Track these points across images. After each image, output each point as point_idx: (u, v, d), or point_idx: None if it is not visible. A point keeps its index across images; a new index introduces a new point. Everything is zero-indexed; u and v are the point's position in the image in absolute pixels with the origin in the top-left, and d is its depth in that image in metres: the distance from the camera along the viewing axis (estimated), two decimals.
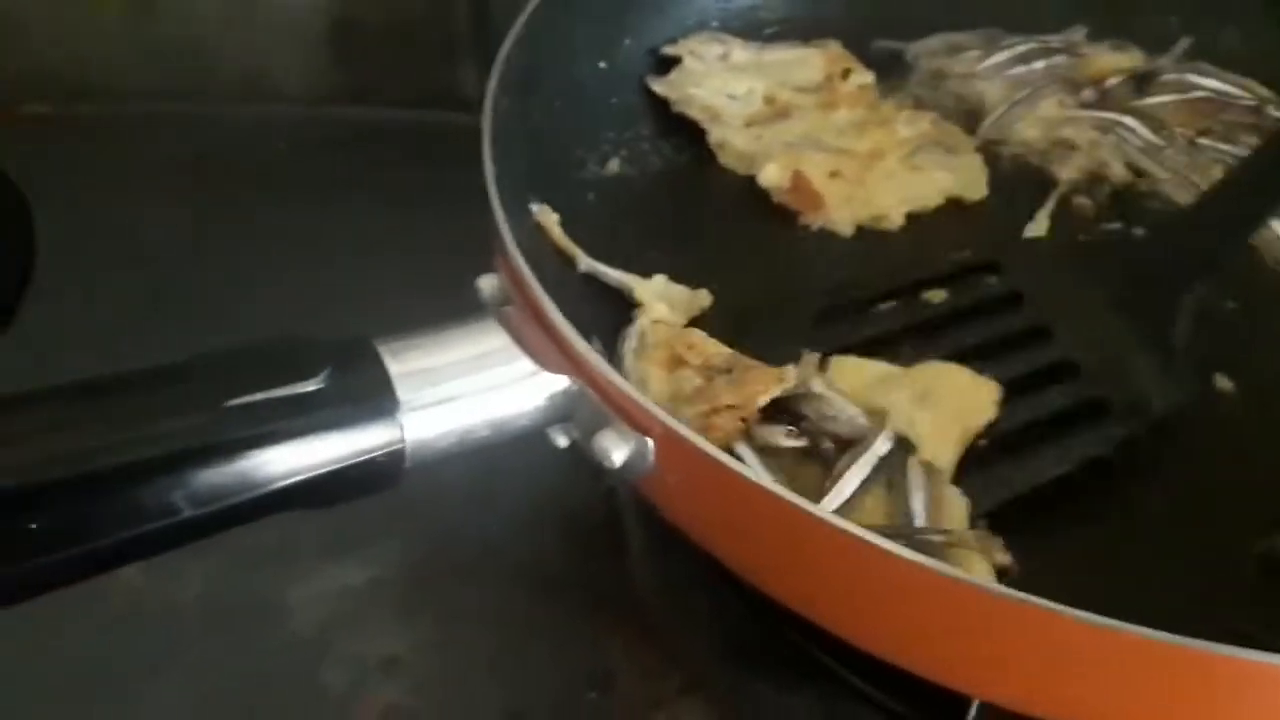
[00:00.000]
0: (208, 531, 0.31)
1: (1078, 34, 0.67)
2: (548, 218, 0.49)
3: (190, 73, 0.82)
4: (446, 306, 0.38)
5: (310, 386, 0.32)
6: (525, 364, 0.36)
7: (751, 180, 0.57)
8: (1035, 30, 0.67)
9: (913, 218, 0.56)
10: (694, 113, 0.60)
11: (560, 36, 0.55)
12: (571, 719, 0.42)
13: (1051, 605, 0.30)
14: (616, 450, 0.35)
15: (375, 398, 0.33)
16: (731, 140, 0.59)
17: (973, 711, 0.41)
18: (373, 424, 0.33)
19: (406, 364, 0.34)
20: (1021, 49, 0.65)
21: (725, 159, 0.58)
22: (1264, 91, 0.63)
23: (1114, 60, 0.65)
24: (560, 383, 0.36)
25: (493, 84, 0.48)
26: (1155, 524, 0.43)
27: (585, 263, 0.50)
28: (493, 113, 0.46)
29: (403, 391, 0.33)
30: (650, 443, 0.35)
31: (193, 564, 0.45)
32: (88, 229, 0.66)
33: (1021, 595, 0.31)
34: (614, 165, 0.58)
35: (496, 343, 0.36)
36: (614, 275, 0.50)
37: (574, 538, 0.48)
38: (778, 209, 0.56)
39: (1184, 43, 0.66)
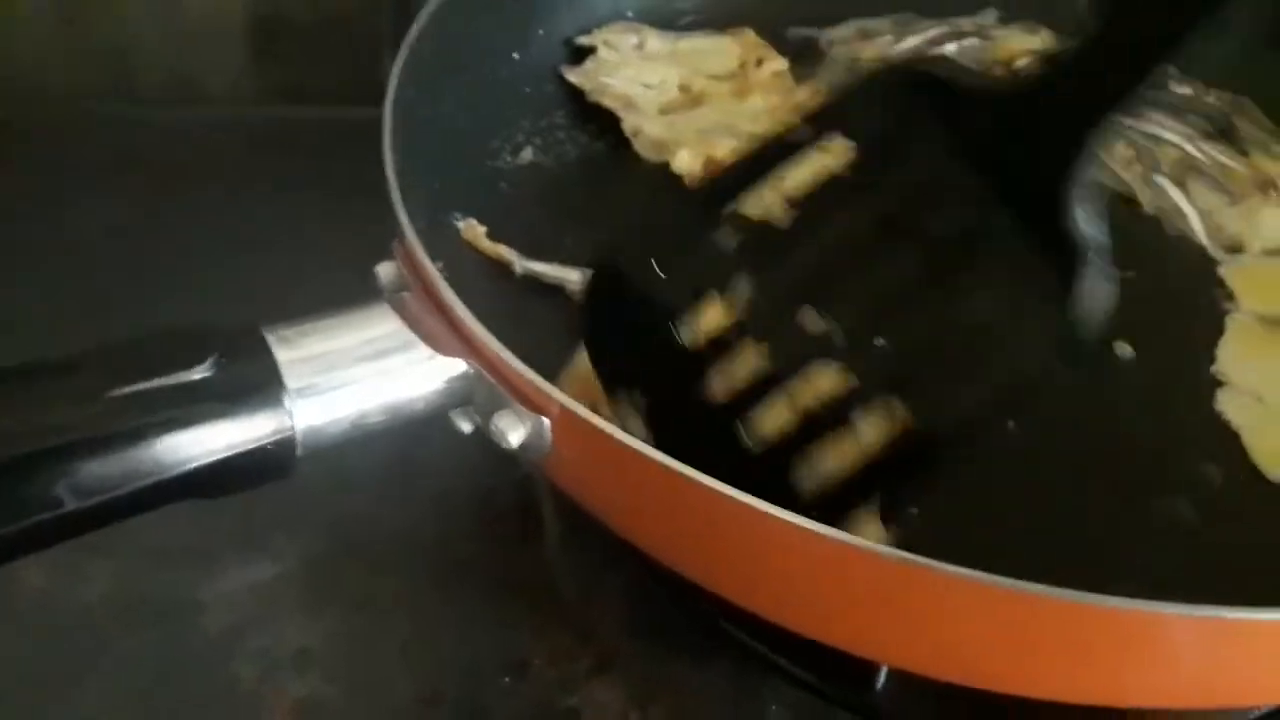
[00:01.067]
0: (96, 524, 0.31)
1: (989, 17, 0.68)
2: (474, 231, 0.50)
3: (117, 74, 0.81)
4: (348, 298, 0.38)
5: (196, 375, 0.32)
6: (420, 349, 0.36)
7: (665, 167, 0.58)
8: (948, 14, 0.68)
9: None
10: (609, 102, 0.60)
11: (470, 26, 0.55)
12: (486, 704, 0.42)
13: (946, 567, 0.31)
14: (513, 431, 0.35)
15: (262, 384, 0.33)
16: (646, 128, 0.59)
17: (881, 678, 0.41)
18: (260, 411, 0.32)
19: (296, 350, 0.34)
20: (933, 33, 0.66)
21: (640, 147, 0.59)
22: (1170, 69, 0.64)
23: (1024, 42, 0.67)
24: (457, 366, 0.36)
25: (396, 70, 0.48)
26: (1055, 487, 0.44)
27: (520, 266, 0.50)
28: (395, 102, 0.46)
29: (291, 378, 0.33)
30: (546, 422, 0.35)
31: (97, 563, 0.44)
32: (8, 226, 0.65)
33: (916, 558, 0.31)
34: (527, 154, 0.58)
35: (389, 327, 0.36)
36: (552, 272, 0.50)
37: (484, 522, 0.48)
38: (691, 193, 0.56)
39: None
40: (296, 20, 0.82)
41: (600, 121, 0.60)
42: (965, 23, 0.68)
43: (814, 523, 0.32)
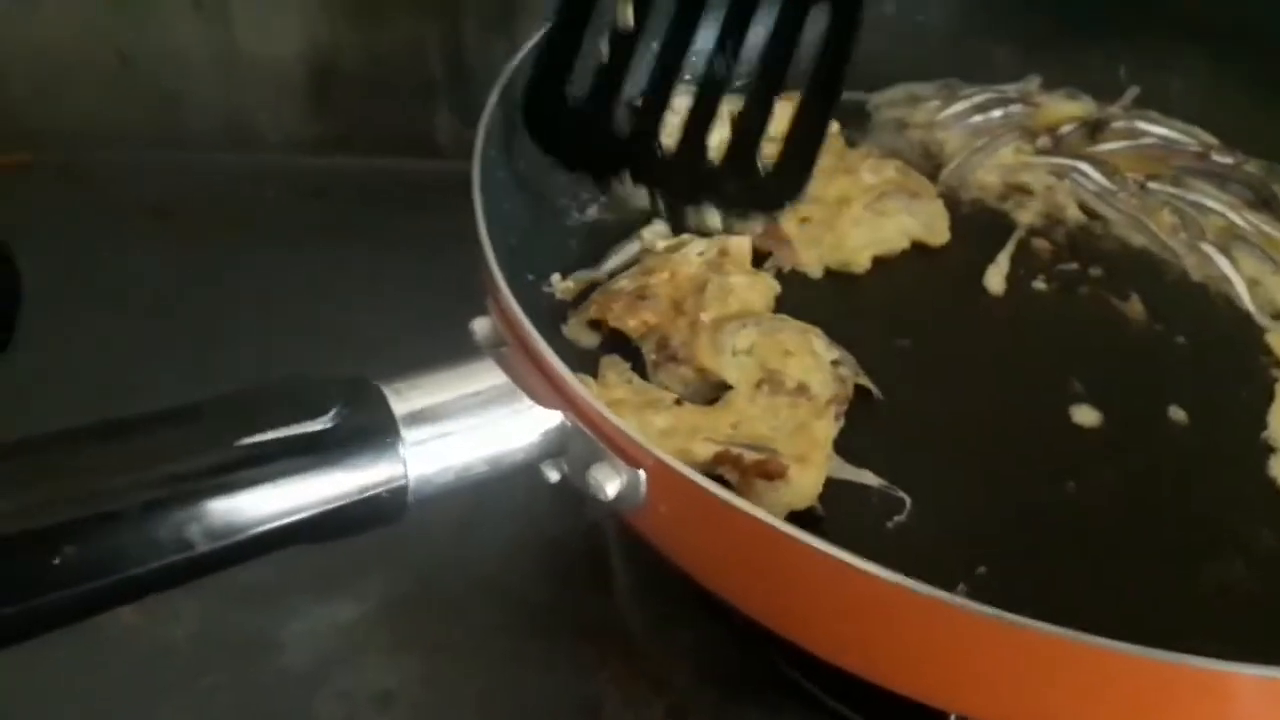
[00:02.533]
0: (219, 565, 0.33)
1: (1032, 84, 0.70)
2: (565, 286, 0.53)
3: (172, 121, 0.83)
4: (431, 349, 0.39)
5: (318, 425, 0.33)
6: (521, 401, 0.38)
7: None
8: (991, 81, 0.70)
9: (878, 261, 0.58)
10: None
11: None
12: None
13: (1020, 619, 0.32)
14: (610, 483, 0.36)
15: (380, 435, 0.34)
16: None
17: None
18: (378, 461, 0.34)
19: (409, 403, 0.36)
20: (979, 99, 0.68)
21: None
22: (1208, 138, 0.66)
23: (1067, 109, 0.69)
24: (554, 419, 0.38)
25: (481, 132, 0.50)
26: (1114, 549, 0.46)
27: None
28: (481, 162, 0.48)
29: (406, 429, 0.35)
30: (642, 475, 0.36)
31: (186, 602, 0.46)
32: (71, 275, 0.67)
33: (991, 610, 0.33)
34: (593, 211, 0.60)
35: (493, 381, 0.38)
36: None
37: (559, 570, 0.49)
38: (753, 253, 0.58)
39: (1132, 91, 0.69)
40: (347, 70, 0.84)
41: None
42: (1010, 89, 0.70)
43: (903, 577, 0.33)
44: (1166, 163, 0.65)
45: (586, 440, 0.37)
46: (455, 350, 0.39)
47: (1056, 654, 0.33)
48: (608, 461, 0.36)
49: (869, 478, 0.47)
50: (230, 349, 0.59)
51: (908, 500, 0.46)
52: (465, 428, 0.36)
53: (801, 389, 0.48)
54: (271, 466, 0.32)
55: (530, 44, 0.56)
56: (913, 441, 0.49)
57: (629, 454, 0.36)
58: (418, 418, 0.35)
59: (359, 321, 0.58)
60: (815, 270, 0.57)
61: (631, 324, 0.48)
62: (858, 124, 0.67)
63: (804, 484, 0.43)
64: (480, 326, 0.41)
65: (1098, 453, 0.49)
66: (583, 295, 0.53)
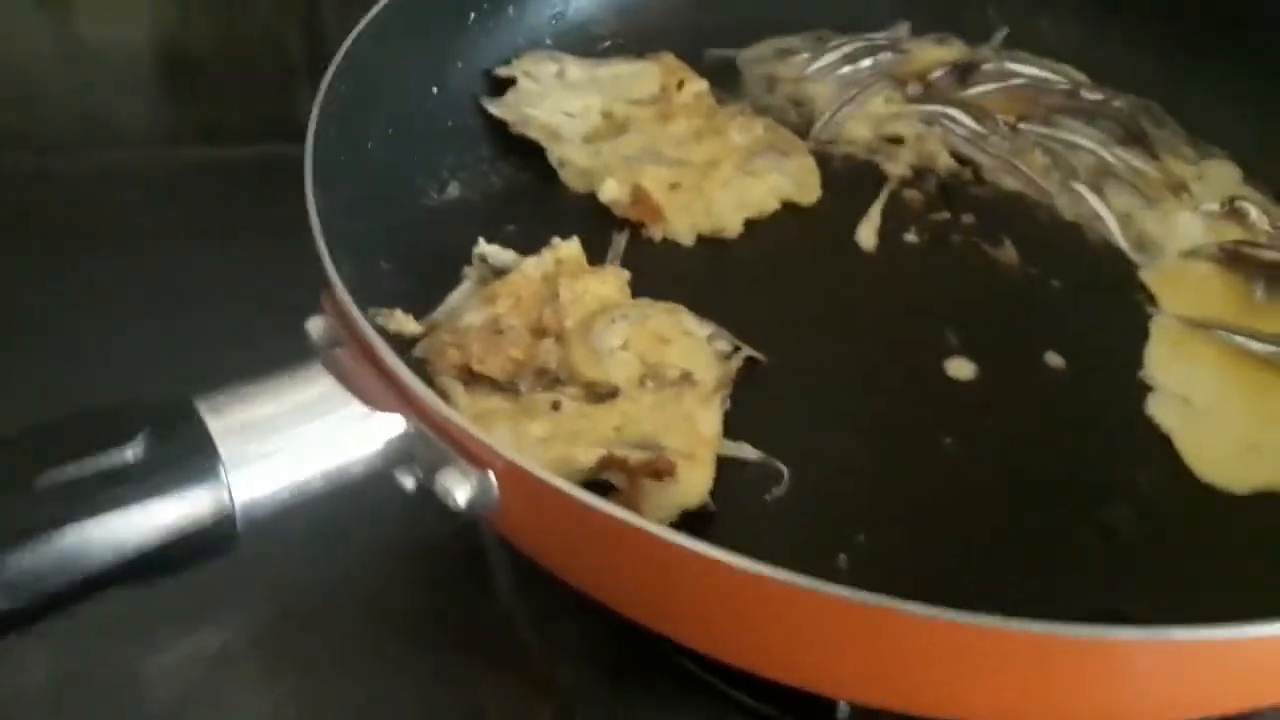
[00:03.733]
0: (33, 620, 0.30)
1: (901, 30, 0.69)
2: (400, 322, 0.47)
3: (19, 119, 0.78)
4: (268, 354, 0.37)
5: (127, 454, 0.30)
6: (356, 407, 0.35)
7: (594, 196, 0.57)
8: (861, 30, 0.69)
9: (750, 224, 0.56)
10: (533, 132, 0.60)
11: (386, 62, 0.54)
12: None
13: (892, 601, 0.31)
14: (459, 489, 0.34)
15: (197, 458, 0.32)
16: (572, 158, 0.59)
17: (842, 712, 0.41)
18: (197, 487, 0.32)
19: (229, 419, 0.33)
20: (848, 49, 0.67)
21: (566, 177, 0.58)
22: (1078, 75, 0.66)
23: (937, 54, 0.68)
24: (396, 424, 0.36)
25: (315, 113, 0.47)
26: (996, 501, 0.45)
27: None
28: (315, 143, 0.45)
29: (226, 449, 0.32)
30: (493, 477, 0.34)
31: (37, 646, 0.43)
32: None
33: (862, 594, 0.31)
34: (454, 190, 0.57)
35: (323, 388, 0.35)
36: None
37: (432, 574, 0.47)
38: (621, 223, 0.56)
39: (1001, 32, 0.69)
40: (202, 56, 0.80)
41: (525, 153, 0.60)
42: (879, 37, 0.68)
43: (769, 567, 0.32)
44: (1037, 102, 0.65)
45: (431, 444, 0.35)
46: (286, 354, 0.36)
47: (929, 636, 0.32)
48: (455, 466, 0.34)
49: (747, 451, 0.46)
50: (83, 369, 0.55)
51: (785, 471, 0.45)
52: (294, 442, 0.34)
53: (685, 378, 0.46)
54: (77, 505, 0.30)
55: (374, 12, 0.53)
56: (789, 409, 0.48)
57: (476, 456, 0.34)
58: (239, 434, 0.33)
59: (202, 327, 0.55)
60: (687, 238, 0.56)
61: (496, 364, 0.45)
62: (728, 82, 0.65)
63: (694, 481, 0.42)
64: (315, 327, 0.39)
65: (974, 405, 0.48)
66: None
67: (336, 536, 0.45)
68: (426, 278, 0.51)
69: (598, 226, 0.56)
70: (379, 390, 0.35)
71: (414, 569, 0.47)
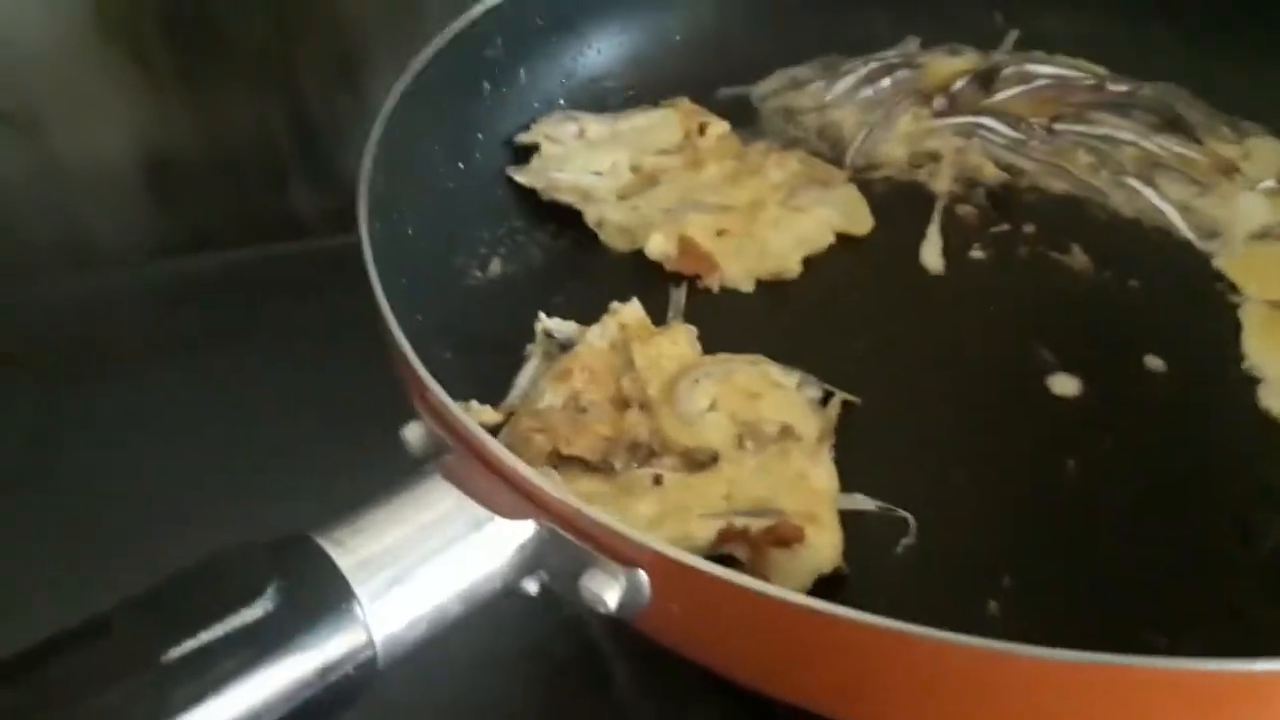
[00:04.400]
0: None
1: (912, 45, 0.68)
2: (485, 414, 0.45)
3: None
4: (354, 469, 0.34)
5: (258, 610, 0.27)
6: (483, 516, 0.32)
7: (638, 254, 0.55)
8: (869, 50, 0.67)
9: (808, 261, 0.54)
10: (564, 196, 0.57)
11: (414, 148, 0.52)
12: None
13: (1106, 657, 0.29)
14: (608, 591, 0.31)
15: (334, 602, 0.29)
16: (609, 217, 0.56)
17: None
18: (336, 633, 0.28)
19: (355, 553, 0.30)
20: (864, 70, 0.65)
21: (607, 237, 0.56)
22: (1097, 68, 0.65)
23: (953, 64, 0.66)
24: (525, 529, 0.33)
25: (362, 212, 0.44)
26: (1131, 525, 0.42)
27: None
28: (370, 243, 0.43)
29: (360, 586, 0.29)
30: (643, 575, 0.31)
31: None
32: None
33: (1070, 654, 0.29)
34: (496, 266, 0.55)
35: (445, 500, 0.32)
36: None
37: (543, 676, 0.44)
38: (674, 277, 0.54)
39: (1013, 35, 0.67)
40: (186, 160, 0.77)
41: (559, 219, 0.57)
42: (891, 55, 0.67)
43: (960, 636, 0.29)
44: (1064, 101, 0.63)
45: (569, 547, 0.32)
46: (386, 466, 0.33)
47: (1136, 680, 0.29)
48: (599, 567, 0.31)
49: (864, 502, 0.43)
50: (116, 518, 0.51)
51: (911, 519, 0.42)
52: (428, 566, 0.31)
53: (786, 432, 0.44)
54: (211, 675, 0.26)
55: (393, 101, 0.51)
56: (895, 451, 0.45)
57: (623, 554, 0.31)
58: (370, 568, 0.30)
59: (261, 449, 0.51)
60: (746, 284, 0.53)
61: (586, 444, 0.42)
62: (745, 120, 0.63)
63: (824, 543, 0.39)
64: (414, 435, 0.36)
65: (1087, 421, 0.46)
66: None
67: (437, 646, 0.42)
68: (489, 362, 0.49)
69: (649, 284, 0.53)
70: (501, 495, 0.32)
71: (523, 673, 0.44)
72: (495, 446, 0.32)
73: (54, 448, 0.58)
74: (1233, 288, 0.52)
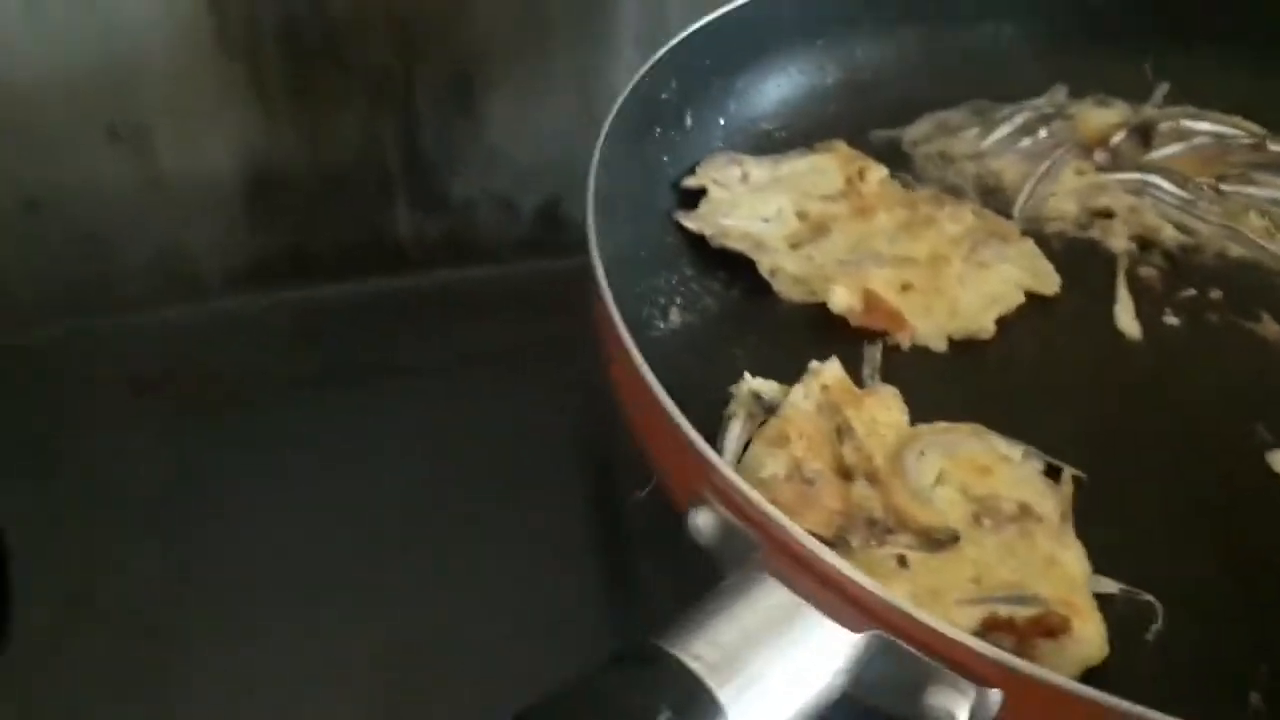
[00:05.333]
0: None
1: (1060, 94, 0.67)
2: None
3: (94, 273, 0.72)
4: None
5: None
6: (816, 621, 0.31)
7: (813, 306, 0.53)
8: (1017, 97, 0.66)
9: (1000, 321, 0.53)
10: (734, 244, 0.56)
11: (611, 195, 0.50)
12: None
13: None
14: (958, 707, 0.30)
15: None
16: (783, 266, 0.55)
17: None
18: None
19: (707, 660, 0.28)
20: (1019, 119, 0.65)
21: (781, 287, 0.55)
22: (1254, 127, 0.64)
23: (1104, 116, 0.66)
24: (860, 636, 0.31)
25: (600, 274, 0.42)
26: None
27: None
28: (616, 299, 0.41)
29: (726, 699, 0.28)
30: (998, 694, 0.30)
31: None
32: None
33: None
34: (675, 316, 0.53)
35: (777, 602, 0.31)
36: None
37: None
38: (856, 333, 0.52)
39: (1163, 88, 0.67)
40: (292, 175, 0.75)
41: (728, 266, 0.56)
42: (1042, 104, 0.66)
43: None
44: (1225, 160, 0.63)
45: (914, 660, 0.30)
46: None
47: None
48: (947, 683, 0.30)
49: (1108, 585, 0.42)
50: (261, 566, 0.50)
51: (1158, 604, 0.41)
52: (774, 672, 0.29)
53: (1025, 510, 0.42)
54: None
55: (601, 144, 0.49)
56: (1125, 531, 0.44)
57: (977, 672, 0.30)
58: (733, 685, 0.28)
59: (449, 504, 0.50)
60: (938, 343, 0.52)
61: (818, 519, 0.41)
62: (899, 164, 0.62)
63: (1090, 633, 0.38)
64: (705, 522, 0.34)
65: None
66: None
67: None
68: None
69: (830, 339, 0.52)
70: (837, 602, 0.31)
71: None
72: (835, 560, 0.31)
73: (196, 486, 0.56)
74: None
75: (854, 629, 0.31)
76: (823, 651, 0.30)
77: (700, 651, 0.28)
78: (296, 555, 0.52)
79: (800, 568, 0.31)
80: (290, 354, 0.66)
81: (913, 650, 0.30)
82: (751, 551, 0.33)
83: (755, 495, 0.33)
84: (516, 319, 0.65)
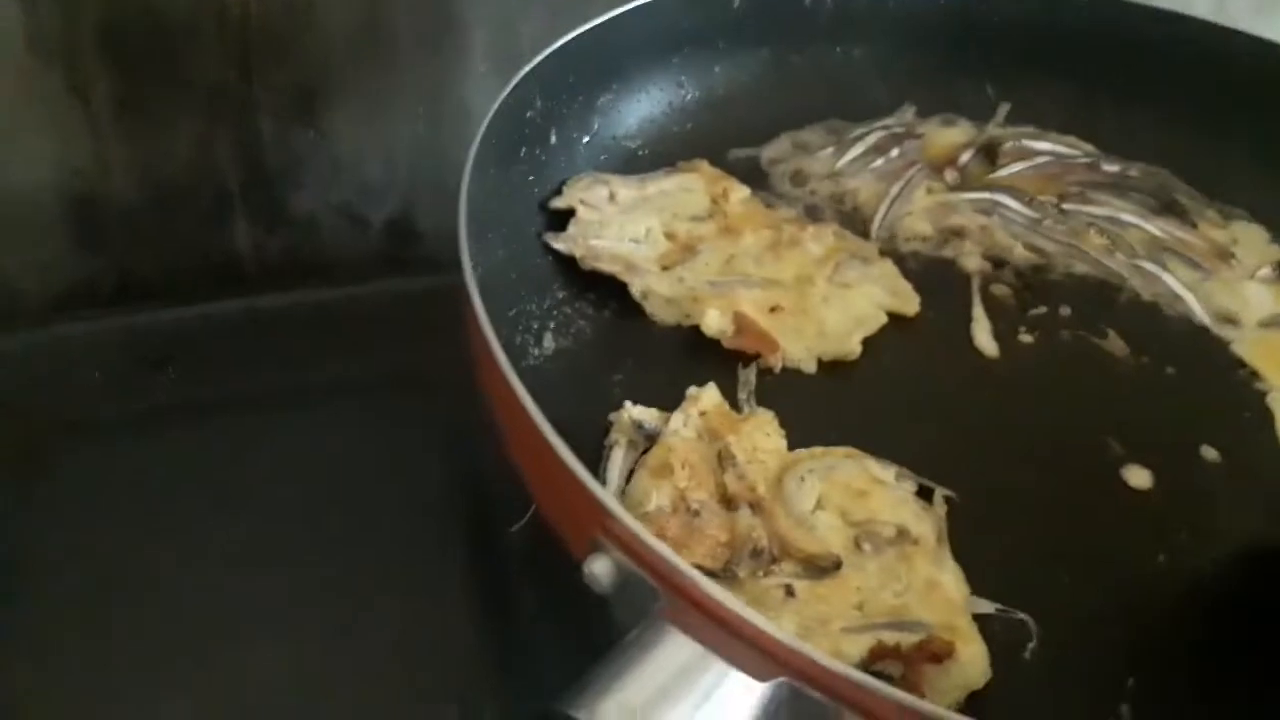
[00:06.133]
0: None
1: (909, 113, 0.69)
2: None
3: None
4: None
5: None
6: (723, 669, 0.30)
7: (684, 327, 0.53)
8: (869, 116, 0.68)
9: (865, 341, 0.54)
10: (605, 265, 0.55)
11: (485, 214, 0.48)
12: None
13: None
14: None
15: None
16: (654, 288, 0.55)
17: None
18: None
19: None
20: (871, 139, 0.66)
21: (653, 309, 0.54)
22: (1088, 147, 0.68)
23: (951, 135, 0.68)
24: (772, 685, 0.31)
25: (480, 307, 0.41)
26: (1232, 613, 0.44)
27: None
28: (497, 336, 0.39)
29: None
30: None
31: None
32: None
33: None
34: (549, 341, 0.52)
35: (686, 656, 0.30)
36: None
37: None
38: (729, 355, 0.52)
39: (1004, 108, 0.69)
40: (117, 194, 0.70)
41: (598, 287, 0.55)
42: (892, 123, 0.68)
43: None
44: (1065, 179, 0.66)
45: (818, 705, 0.30)
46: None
47: None
48: None
49: (984, 605, 0.43)
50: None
51: (1032, 622, 0.42)
52: None
53: (902, 533, 0.43)
54: None
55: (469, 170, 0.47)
56: (994, 549, 0.45)
57: (880, 715, 0.30)
58: None
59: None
60: (808, 364, 0.53)
61: (705, 551, 0.40)
62: (760, 183, 0.63)
63: (973, 657, 0.39)
64: (602, 570, 0.33)
65: (1165, 512, 0.48)
66: None
67: None
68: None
69: (706, 361, 0.52)
70: (744, 651, 0.30)
71: None
72: (742, 609, 0.30)
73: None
74: (1255, 375, 0.55)
75: (761, 678, 0.30)
76: (732, 704, 0.30)
77: (611, 717, 0.27)
78: (125, 616, 0.48)
79: (705, 617, 0.30)
80: (119, 386, 0.61)
81: (818, 696, 0.30)
82: (652, 602, 0.32)
83: (657, 543, 0.32)
84: (372, 343, 0.62)
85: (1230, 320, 0.58)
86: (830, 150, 0.66)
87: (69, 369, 0.61)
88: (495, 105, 0.50)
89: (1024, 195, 0.63)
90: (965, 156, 0.66)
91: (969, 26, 0.70)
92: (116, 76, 0.65)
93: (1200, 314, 0.58)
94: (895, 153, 0.65)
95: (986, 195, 0.63)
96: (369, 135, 0.72)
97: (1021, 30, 0.70)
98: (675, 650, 0.30)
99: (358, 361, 0.62)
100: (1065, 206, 0.63)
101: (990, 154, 0.66)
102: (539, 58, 0.55)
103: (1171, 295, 0.59)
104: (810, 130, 0.67)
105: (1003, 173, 0.65)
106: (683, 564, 0.31)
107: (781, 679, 0.30)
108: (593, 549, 0.34)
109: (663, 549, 0.32)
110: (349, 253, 0.76)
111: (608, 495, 0.33)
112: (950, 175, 0.64)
